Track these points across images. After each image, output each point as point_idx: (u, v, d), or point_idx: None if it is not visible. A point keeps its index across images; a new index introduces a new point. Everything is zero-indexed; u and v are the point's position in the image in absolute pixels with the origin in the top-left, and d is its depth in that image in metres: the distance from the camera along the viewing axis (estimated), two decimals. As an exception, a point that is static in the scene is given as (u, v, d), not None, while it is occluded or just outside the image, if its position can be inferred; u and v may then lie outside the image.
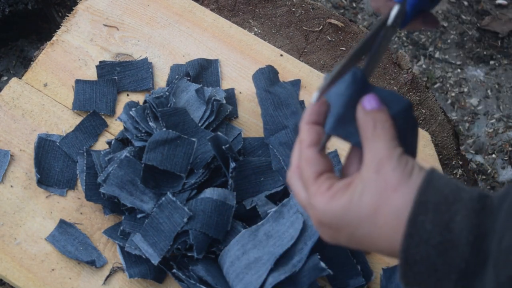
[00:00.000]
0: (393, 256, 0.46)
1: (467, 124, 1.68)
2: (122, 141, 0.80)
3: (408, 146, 0.48)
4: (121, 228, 0.75)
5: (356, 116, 0.48)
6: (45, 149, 0.81)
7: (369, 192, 0.44)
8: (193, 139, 0.77)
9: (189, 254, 0.73)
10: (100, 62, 0.87)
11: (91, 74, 0.87)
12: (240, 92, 0.88)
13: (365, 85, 0.49)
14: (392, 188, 0.44)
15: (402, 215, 0.43)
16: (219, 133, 0.77)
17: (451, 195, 0.42)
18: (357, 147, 0.49)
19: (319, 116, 0.50)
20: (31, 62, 0.88)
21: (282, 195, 0.79)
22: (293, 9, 1.00)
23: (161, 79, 0.88)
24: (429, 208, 0.42)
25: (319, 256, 0.72)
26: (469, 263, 0.41)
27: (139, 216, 0.75)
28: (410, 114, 0.49)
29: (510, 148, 1.65)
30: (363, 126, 0.47)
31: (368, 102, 0.47)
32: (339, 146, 0.87)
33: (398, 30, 0.56)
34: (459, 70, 1.75)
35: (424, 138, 0.89)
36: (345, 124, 0.49)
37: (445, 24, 1.82)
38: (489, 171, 1.61)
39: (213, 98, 0.82)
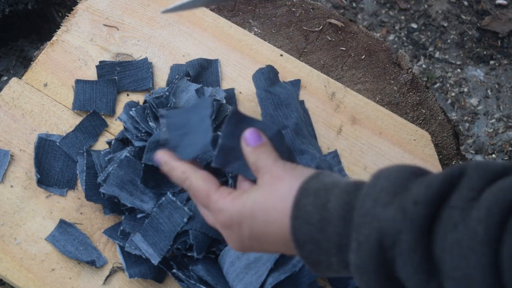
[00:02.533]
0: (288, 245, 0.51)
1: (467, 124, 1.68)
2: (122, 141, 0.80)
3: (289, 160, 0.56)
4: (121, 228, 0.75)
5: (243, 152, 0.56)
6: (45, 149, 0.81)
7: (262, 187, 0.52)
8: None
9: (189, 254, 0.73)
10: (100, 62, 0.87)
11: (91, 74, 0.87)
12: (240, 92, 0.88)
13: (241, 118, 0.57)
14: (278, 178, 0.51)
15: (287, 199, 0.50)
16: (219, 133, 0.77)
17: (330, 183, 0.49)
18: (244, 176, 0.57)
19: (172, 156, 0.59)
20: (31, 62, 0.88)
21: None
22: (293, 9, 1.00)
23: (161, 79, 0.88)
24: (310, 193, 0.49)
25: (319, 256, 0.72)
26: (341, 235, 0.46)
27: (139, 216, 0.75)
28: (282, 136, 0.58)
29: (510, 148, 1.65)
30: (251, 159, 0.55)
31: (252, 139, 0.55)
32: (339, 146, 0.87)
33: None
34: (459, 70, 1.75)
35: (424, 138, 0.90)
36: (231, 158, 0.57)
37: (445, 24, 1.82)
38: (489, 171, 1.61)
39: (213, 98, 0.82)
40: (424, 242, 0.41)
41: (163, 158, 0.59)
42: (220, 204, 0.54)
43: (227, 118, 0.56)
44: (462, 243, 0.39)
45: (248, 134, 0.55)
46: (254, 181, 0.56)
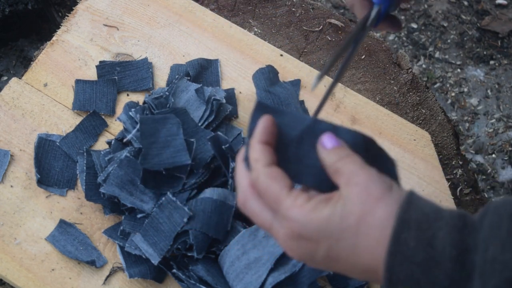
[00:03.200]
0: (369, 275, 0.45)
1: (467, 124, 1.68)
2: (122, 141, 0.80)
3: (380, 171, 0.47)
4: (121, 228, 0.75)
5: (319, 157, 0.48)
6: (45, 149, 0.81)
7: (353, 202, 0.44)
8: (192, 139, 0.77)
9: (189, 254, 0.73)
10: (100, 62, 0.87)
11: (91, 74, 0.87)
12: (240, 92, 0.88)
13: (318, 130, 0.49)
14: (375, 198, 0.43)
15: (386, 227, 0.43)
16: (219, 133, 0.77)
17: (432, 213, 0.42)
18: (318, 190, 0.48)
19: (271, 137, 0.49)
20: (31, 62, 0.88)
21: (282, 195, 0.79)
22: (293, 9, 1.00)
23: (161, 79, 0.88)
24: (411, 225, 0.42)
25: (319, 256, 0.72)
26: (453, 279, 0.40)
27: (139, 216, 0.75)
28: (371, 146, 0.49)
29: (510, 148, 1.65)
30: (329, 162, 0.47)
31: (329, 141, 0.48)
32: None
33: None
34: (459, 70, 1.75)
35: (424, 138, 0.90)
36: (307, 169, 0.49)
37: (445, 24, 1.82)
38: (489, 171, 1.61)
39: (213, 97, 0.82)
40: None
41: (256, 131, 0.49)
42: (294, 214, 0.45)
43: (305, 126, 0.49)
44: None
45: (325, 138, 0.48)
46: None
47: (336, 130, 0.49)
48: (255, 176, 0.47)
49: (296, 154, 0.49)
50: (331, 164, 0.46)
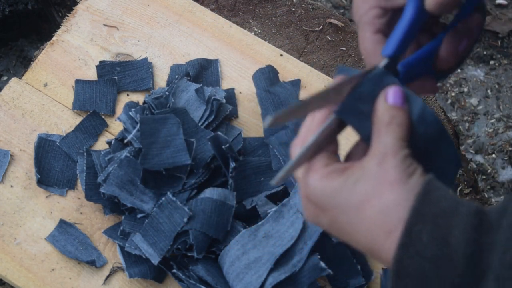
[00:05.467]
0: (369, 253, 0.45)
1: (467, 124, 1.68)
2: (122, 141, 0.80)
3: (428, 165, 0.45)
4: (121, 228, 0.75)
5: (375, 105, 0.46)
6: (45, 149, 0.81)
7: (365, 180, 0.43)
8: (192, 139, 0.77)
9: (189, 254, 0.73)
10: (100, 62, 0.87)
11: (91, 74, 0.87)
12: (240, 92, 0.88)
13: (391, 81, 0.47)
14: (388, 182, 0.42)
15: (389, 213, 0.42)
16: (219, 133, 0.77)
17: (448, 208, 0.41)
18: (365, 141, 0.47)
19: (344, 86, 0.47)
20: (31, 62, 0.88)
21: (282, 195, 0.79)
22: (293, 9, 1.00)
23: (161, 79, 0.88)
24: (426, 219, 0.41)
25: (319, 256, 0.72)
26: (464, 278, 0.39)
27: (139, 216, 0.75)
28: (440, 133, 0.46)
29: (510, 148, 1.65)
30: (379, 118, 0.45)
31: (393, 96, 0.45)
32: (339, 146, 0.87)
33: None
34: (459, 70, 1.75)
35: (424, 138, 0.89)
36: (355, 111, 0.47)
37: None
38: (489, 171, 1.61)
39: (213, 97, 0.82)
40: None
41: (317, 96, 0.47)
42: (308, 177, 0.45)
43: (372, 73, 0.47)
44: None
45: (393, 90, 0.46)
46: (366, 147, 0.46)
47: (408, 93, 0.46)
48: (306, 129, 0.48)
49: (358, 91, 0.47)
50: (379, 122, 0.45)
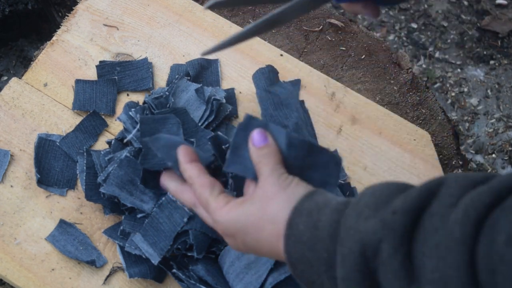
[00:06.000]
0: (275, 258, 0.54)
1: (467, 124, 1.68)
2: (122, 141, 0.80)
3: (313, 175, 0.57)
4: (121, 228, 0.75)
5: (249, 153, 0.57)
6: (45, 149, 0.81)
7: (255, 203, 0.53)
8: (192, 139, 0.77)
9: (189, 254, 0.73)
10: (100, 62, 0.87)
11: (91, 74, 0.87)
12: (240, 92, 0.88)
13: (254, 122, 0.58)
14: (270, 197, 0.52)
15: (277, 220, 0.51)
16: (219, 133, 0.77)
17: (322, 202, 0.50)
18: (253, 179, 0.57)
19: (192, 155, 0.61)
20: (31, 62, 0.88)
21: (282, 195, 0.79)
22: (293, 9, 1.00)
23: (161, 79, 0.88)
24: (303, 213, 0.50)
25: (319, 256, 0.72)
26: (329, 252, 0.47)
27: (139, 216, 0.75)
28: (309, 146, 0.57)
29: (510, 148, 1.65)
30: (254, 160, 0.56)
31: (257, 139, 0.56)
32: (339, 146, 0.87)
33: (333, 4, 0.60)
34: (459, 70, 1.75)
35: (424, 138, 0.90)
36: (240, 159, 0.57)
37: (445, 24, 1.82)
38: (489, 171, 1.61)
39: (213, 97, 0.82)
40: (404, 250, 0.42)
41: (181, 157, 0.62)
42: (216, 215, 0.56)
43: (240, 122, 0.58)
44: (440, 244, 0.40)
45: (255, 134, 0.56)
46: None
47: (268, 128, 0.57)
48: (194, 188, 0.60)
49: (233, 143, 0.58)
50: (255, 164, 0.56)
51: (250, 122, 0.58)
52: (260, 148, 0.56)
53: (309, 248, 0.48)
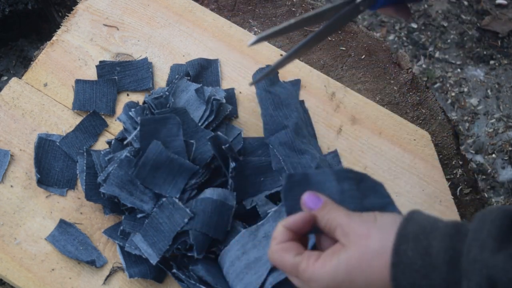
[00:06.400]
0: None
1: (467, 124, 1.68)
2: (122, 141, 0.80)
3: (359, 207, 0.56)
4: (121, 228, 0.75)
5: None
6: (45, 149, 0.81)
7: (349, 247, 0.51)
8: (191, 141, 0.77)
9: (189, 254, 0.73)
10: (100, 62, 0.87)
11: (91, 74, 0.87)
12: (240, 92, 0.88)
13: (296, 180, 0.57)
14: (365, 235, 0.50)
15: (382, 251, 0.49)
16: (219, 133, 0.77)
17: (428, 225, 0.48)
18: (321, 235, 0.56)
19: (301, 228, 0.55)
20: (31, 62, 0.88)
21: (282, 195, 0.79)
22: (293, 9, 1.00)
23: (161, 79, 0.88)
24: (409, 238, 0.48)
25: (319, 256, 0.72)
26: (448, 281, 0.45)
27: (139, 216, 0.75)
28: (360, 176, 0.56)
29: (510, 148, 1.65)
30: (322, 223, 0.54)
31: (311, 203, 0.54)
32: (339, 146, 0.87)
33: (368, 12, 0.59)
34: (459, 70, 1.75)
35: (424, 138, 0.90)
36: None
37: (445, 24, 1.82)
38: (489, 171, 1.61)
39: (213, 97, 0.82)
40: None
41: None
42: (309, 273, 0.52)
43: (283, 186, 0.56)
44: None
45: (306, 199, 0.55)
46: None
47: (310, 178, 0.56)
48: (269, 253, 0.55)
49: (288, 209, 0.56)
50: (324, 226, 0.53)
51: (291, 180, 0.56)
52: (319, 210, 0.54)
53: (422, 276, 0.46)
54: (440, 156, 0.93)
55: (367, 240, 0.50)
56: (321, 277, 0.51)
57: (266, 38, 0.55)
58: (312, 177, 0.57)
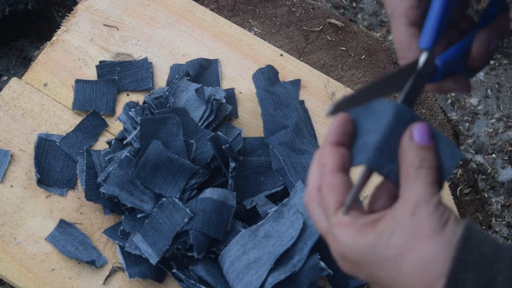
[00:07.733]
0: None
1: (467, 124, 1.68)
2: (122, 141, 0.80)
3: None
4: (121, 228, 0.75)
5: (400, 146, 0.44)
6: (45, 149, 0.81)
7: (400, 233, 0.42)
8: (191, 141, 0.77)
9: (189, 254, 0.73)
10: (100, 62, 0.87)
11: (91, 74, 0.87)
12: (240, 92, 0.88)
13: (412, 119, 0.45)
14: (424, 235, 0.41)
15: (430, 267, 0.41)
16: (219, 133, 0.77)
17: (490, 253, 0.41)
18: (391, 181, 0.45)
19: (344, 137, 0.46)
20: (31, 62, 0.88)
21: (282, 195, 0.79)
22: (293, 9, 1.00)
23: (161, 79, 0.88)
24: (469, 266, 0.40)
25: (319, 256, 0.72)
26: None
27: (139, 216, 0.75)
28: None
29: (510, 148, 1.65)
30: (408, 161, 0.44)
31: (419, 134, 0.44)
32: (339, 146, 0.87)
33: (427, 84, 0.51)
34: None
35: (424, 138, 0.89)
36: (384, 157, 0.45)
37: (445, 24, 1.82)
38: (489, 171, 1.61)
39: (213, 97, 0.82)
40: None
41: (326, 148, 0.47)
42: (339, 233, 0.44)
43: (394, 112, 0.45)
44: None
45: (418, 128, 0.44)
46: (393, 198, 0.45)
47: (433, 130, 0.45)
48: (321, 182, 0.46)
49: (384, 133, 0.45)
50: (408, 166, 0.43)
51: (402, 115, 0.45)
52: (422, 148, 0.43)
53: None
54: (440, 156, 0.93)
55: (423, 240, 0.41)
56: (350, 245, 0.43)
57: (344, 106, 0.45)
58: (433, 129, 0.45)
